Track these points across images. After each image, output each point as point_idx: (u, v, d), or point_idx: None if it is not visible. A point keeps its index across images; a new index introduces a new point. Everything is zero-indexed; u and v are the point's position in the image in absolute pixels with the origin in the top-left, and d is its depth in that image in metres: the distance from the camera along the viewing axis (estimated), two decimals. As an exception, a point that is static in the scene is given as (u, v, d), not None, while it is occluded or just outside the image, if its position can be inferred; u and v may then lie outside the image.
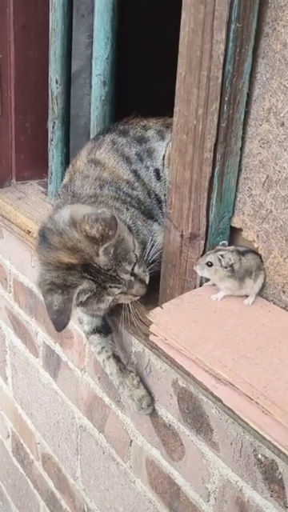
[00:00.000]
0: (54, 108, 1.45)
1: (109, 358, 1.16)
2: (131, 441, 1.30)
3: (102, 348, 1.17)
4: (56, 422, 1.64)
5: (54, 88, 1.43)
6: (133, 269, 0.99)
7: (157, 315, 0.93)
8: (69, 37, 1.39)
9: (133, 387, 1.13)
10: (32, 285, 1.61)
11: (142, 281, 1.01)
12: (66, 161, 1.49)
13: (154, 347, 1.06)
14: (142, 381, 1.15)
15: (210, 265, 0.94)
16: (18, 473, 2.00)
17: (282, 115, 0.85)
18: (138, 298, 1.03)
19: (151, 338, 0.93)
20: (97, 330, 1.18)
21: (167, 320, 0.91)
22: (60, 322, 0.94)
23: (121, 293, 0.99)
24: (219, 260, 0.93)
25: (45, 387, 1.66)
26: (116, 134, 1.20)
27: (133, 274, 0.99)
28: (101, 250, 0.94)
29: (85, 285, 0.94)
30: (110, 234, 0.92)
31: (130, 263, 0.98)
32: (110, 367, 1.15)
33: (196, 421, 1.07)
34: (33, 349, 1.68)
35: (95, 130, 1.34)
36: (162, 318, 0.92)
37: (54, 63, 1.41)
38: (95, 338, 1.18)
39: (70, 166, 1.22)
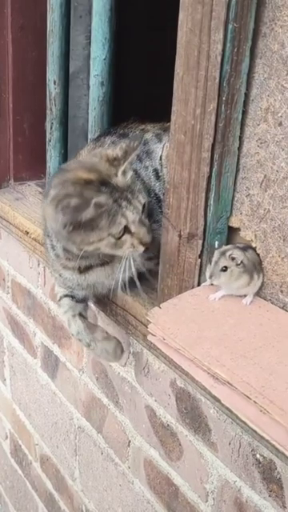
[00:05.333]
0: (52, 109, 1.45)
1: (74, 316, 1.13)
2: (129, 441, 1.29)
3: (70, 308, 1.15)
4: (54, 422, 1.64)
5: (52, 89, 1.43)
6: (143, 210, 1.00)
7: (155, 315, 0.92)
8: (66, 38, 1.38)
9: (105, 340, 1.12)
10: (30, 285, 1.61)
11: (148, 230, 1.00)
12: (64, 161, 1.49)
13: (152, 347, 1.06)
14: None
15: (224, 269, 0.93)
16: (16, 474, 2.00)
17: (279, 115, 0.85)
18: (141, 251, 1.00)
19: (149, 337, 0.92)
20: (70, 296, 1.16)
21: (165, 320, 0.91)
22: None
23: (129, 233, 0.98)
24: (232, 259, 0.92)
25: (43, 388, 1.66)
26: (116, 137, 1.21)
27: (142, 220, 0.99)
28: (121, 169, 0.97)
29: (101, 197, 0.95)
30: (135, 145, 0.98)
31: (143, 197, 1.00)
32: (77, 325, 1.12)
33: (194, 421, 1.07)
34: (31, 350, 1.68)
35: (93, 130, 1.34)
36: (160, 317, 0.92)
37: (52, 64, 1.41)
38: (66, 300, 1.16)
39: None
